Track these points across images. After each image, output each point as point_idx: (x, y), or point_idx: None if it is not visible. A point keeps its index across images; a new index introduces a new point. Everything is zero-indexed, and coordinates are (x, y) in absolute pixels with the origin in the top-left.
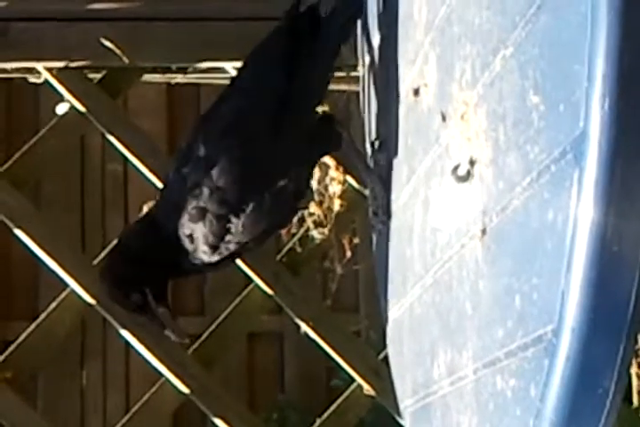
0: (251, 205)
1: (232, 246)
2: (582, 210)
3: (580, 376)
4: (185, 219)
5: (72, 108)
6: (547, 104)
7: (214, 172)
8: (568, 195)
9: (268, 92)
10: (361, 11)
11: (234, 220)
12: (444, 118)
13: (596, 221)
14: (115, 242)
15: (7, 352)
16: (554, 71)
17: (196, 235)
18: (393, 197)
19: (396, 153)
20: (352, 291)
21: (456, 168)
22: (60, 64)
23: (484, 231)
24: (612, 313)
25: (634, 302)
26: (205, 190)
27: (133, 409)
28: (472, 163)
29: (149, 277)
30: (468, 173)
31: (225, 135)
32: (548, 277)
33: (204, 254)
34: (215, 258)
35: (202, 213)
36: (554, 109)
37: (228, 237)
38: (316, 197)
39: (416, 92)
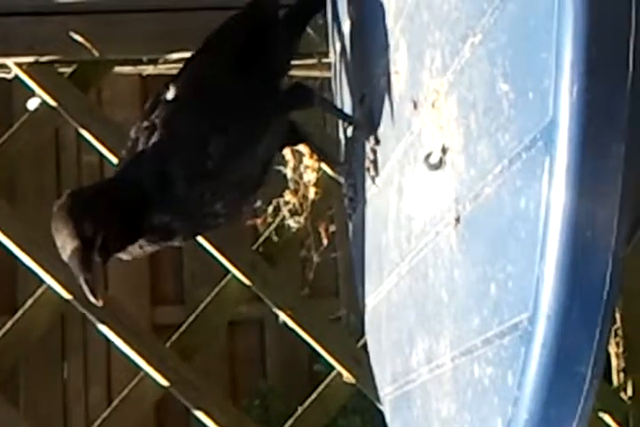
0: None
1: (210, 186)
2: (554, 197)
3: (557, 363)
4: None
5: (43, 102)
6: (516, 92)
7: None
8: (539, 182)
9: (229, 45)
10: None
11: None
12: (415, 106)
13: (567, 208)
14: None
15: None
16: (522, 59)
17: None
18: (367, 184)
19: (370, 140)
20: (331, 277)
21: (428, 156)
22: (30, 59)
23: (457, 219)
24: (587, 299)
25: (608, 288)
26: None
27: (114, 403)
28: (444, 151)
29: (108, 222)
30: (441, 161)
31: (188, 80)
32: (523, 264)
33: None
34: (193, 193)
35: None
36: (523, 97)
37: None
38: (291, 186)
39: (387, 79)
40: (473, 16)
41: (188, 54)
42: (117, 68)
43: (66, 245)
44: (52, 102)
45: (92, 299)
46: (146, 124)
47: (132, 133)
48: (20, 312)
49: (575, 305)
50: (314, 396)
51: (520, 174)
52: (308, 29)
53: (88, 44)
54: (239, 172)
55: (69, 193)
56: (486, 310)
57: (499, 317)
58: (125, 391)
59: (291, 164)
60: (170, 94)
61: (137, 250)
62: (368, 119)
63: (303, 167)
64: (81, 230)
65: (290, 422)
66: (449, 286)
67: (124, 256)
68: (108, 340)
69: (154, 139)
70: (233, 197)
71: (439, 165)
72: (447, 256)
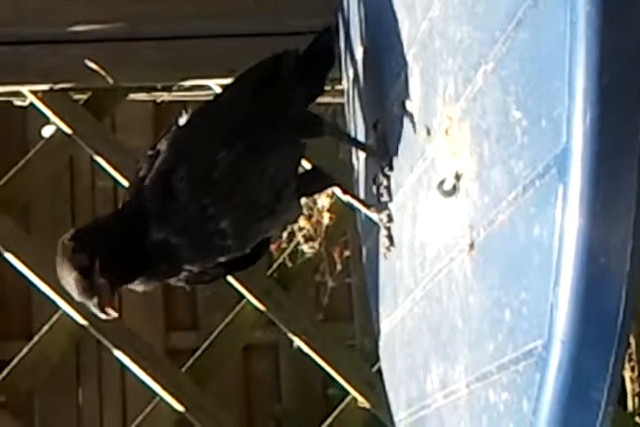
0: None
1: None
2: (568, 224)
3: (572, 389)
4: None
5: (58, 130)
6: (529, 119)
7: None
8: (553, 209)
9: (245, 81)
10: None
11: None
12: (428, 133)
13: (581, 234)
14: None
15: (0, 376)
16: (535, 87)
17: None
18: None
19: (384, 166)
20: (345, 302)
21: (442, 182)
22: (45, 87)
23: (471, 245)
24: (602, 325)
25: (622, 313)
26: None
27: None
28: (458, 177)
29: (104, 247)
30: (454, 188)
31: (201, 107)
32: (537, 291)
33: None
34: (194, 205)
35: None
36: (536, 125)
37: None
38: (305, 212)
39: (400, 105)
40: (485, 44)
41: (202, 81)
42: (132, 95)
43: (68, 280)
44: (66, 129)
45: (103, 316)
46: (150, 152)
47: (140, 165)
48: (35, 338)
49: (590, 331)
50: (329, 420)
51: (534, 201)
52: None
53: (103, 72)
54: (245, 190)
55: (71, 232)
56: (501, 336)
57: (513, 343)
58: (141, 417)
59: None
60: (182, 120)
61: (150, 280)
62: (381, 145)
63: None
64: (77, 262)
65: None
66: (463, 312)
67: (138, 287)
68: (123, 365)
69: (158, 161)
70: (240, 218)
71: (453, 192)
72: (461, 282)
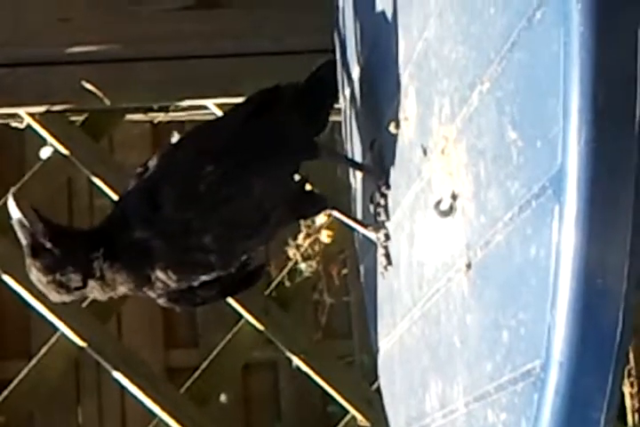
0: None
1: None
2: (564, 244)
3: (570, 410)
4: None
5: (56, 151)
6: (525, 140)
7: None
8: (549, 230)
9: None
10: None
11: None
12: (425, 152)
13: (578, 256)
14: None
15: (0, 398)
16: (530, 107)
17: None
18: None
19: (381, 185)
20: (344, 320)
21: (439, 202)
22: (42, 108)
23: (469, 265)
24: (600, 345)
25: (620, 333)
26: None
27: None
28: (454, 197)
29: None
30: (451, 208)
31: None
32: (534, 311)
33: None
34: (180, 216)
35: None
36: (532, 146)
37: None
38: (304, 230)
39: (397, 125)
40: (480, 64)
41: (198, 101)
42: (128, 116)
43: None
44: (64, 151)
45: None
46: (140, 169)
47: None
48: (34, 360)
49: (587, 352)
50: None
51: (530, 222)
52: None
53: (99, 93)
54: (228, 208)
55: None
56: (499, 357)
57: (511, 363)
58: None
59: None
60: (174, 139)
61: (111, 269)
62: (378, 164)
63: None
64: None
65: None
66: (461, 332)
67: (99, 295)
68: (122, 386)
69: (146, 174)
70: (224, 235)
71: (449, 212)
72: (459, 302)
